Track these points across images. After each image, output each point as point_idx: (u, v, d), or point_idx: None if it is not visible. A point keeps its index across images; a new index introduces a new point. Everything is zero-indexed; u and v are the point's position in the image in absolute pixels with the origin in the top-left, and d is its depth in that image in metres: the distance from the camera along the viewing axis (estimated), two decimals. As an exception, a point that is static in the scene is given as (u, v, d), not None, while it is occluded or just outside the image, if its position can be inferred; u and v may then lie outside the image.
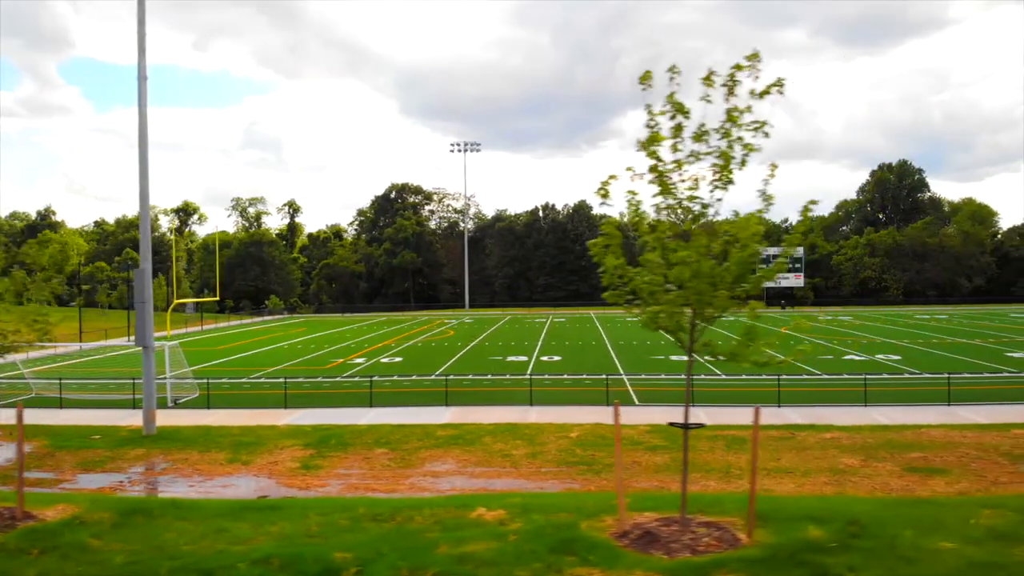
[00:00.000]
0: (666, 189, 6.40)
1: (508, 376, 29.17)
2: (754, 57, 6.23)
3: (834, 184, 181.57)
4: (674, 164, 6.37)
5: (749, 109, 6.23)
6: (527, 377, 28.75)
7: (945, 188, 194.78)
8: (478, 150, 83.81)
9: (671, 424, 7.51)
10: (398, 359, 35.18)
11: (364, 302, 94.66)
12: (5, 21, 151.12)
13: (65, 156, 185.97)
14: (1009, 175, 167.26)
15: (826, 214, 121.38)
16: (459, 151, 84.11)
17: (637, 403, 23.47)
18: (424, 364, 33.34)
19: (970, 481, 14.97)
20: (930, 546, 4.93)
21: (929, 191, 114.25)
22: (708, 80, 6.26)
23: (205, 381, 26.13)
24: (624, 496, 6.20)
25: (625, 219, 7.26)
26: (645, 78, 6.28)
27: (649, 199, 6.55)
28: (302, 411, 22.73)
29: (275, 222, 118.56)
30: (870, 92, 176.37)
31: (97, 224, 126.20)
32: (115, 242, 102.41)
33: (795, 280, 75.88)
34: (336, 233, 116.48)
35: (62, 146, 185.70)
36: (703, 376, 28.52)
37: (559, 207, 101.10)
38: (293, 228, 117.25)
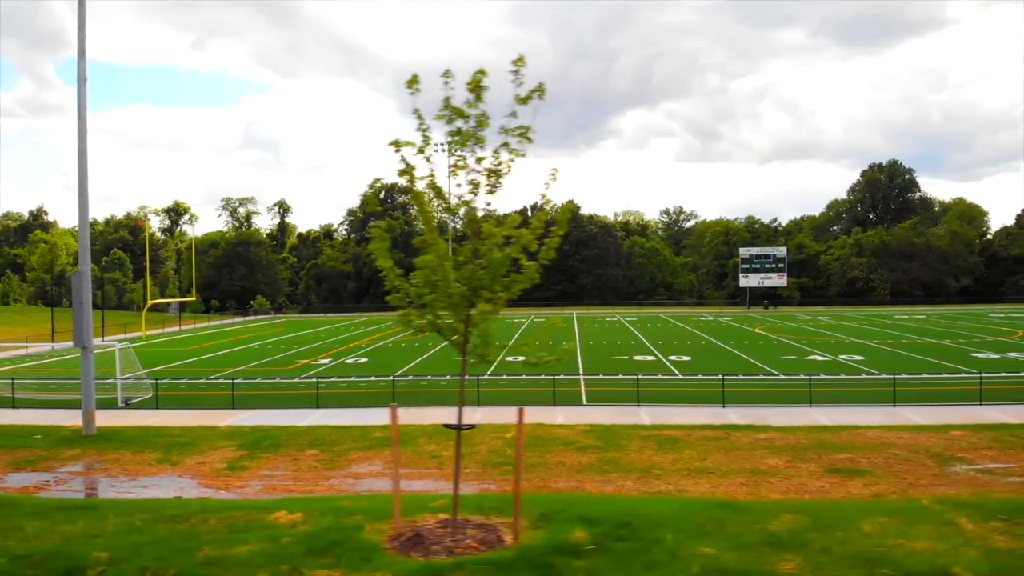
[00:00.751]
0: (439, 194, 6.41)
1: (467, 377, 29.11)
2: (519, 62, 6.24)
3: (834, 184, 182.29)
4: (451, 169, 6.37)
5: (515, 114, 6.24)
6: (485, 378, 28.79)
7: (944, 188, 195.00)
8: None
9: (445, 425, 7.50)
10: (364, 360, 35.22)
11: (353, 302, 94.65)
12: (3, 21, 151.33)
13: (64, 156, 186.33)
14: (1009, 175, 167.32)
15: (816, 214, 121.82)
16: (442, 151, 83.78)
17: (584, 403, 23.49)
18: (388, 364, 33.34)
19: (889, 483, 14.97)
20: (688, 551, 4.91)
21: (919, 191, 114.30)
22: (474, 86, 6.26)
23: (156, 382, 26.14)
24: (401, 499, 6.19)
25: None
26: (412, 83, 6.28)
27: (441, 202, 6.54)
28: (248, 412, 22.74)
29: (266, 222, 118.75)
30: (869, 92, 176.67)
31: (89, 224, 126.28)
32: (104, 242, 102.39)
33: (778, 280, 75.84)
34: (327, 233, 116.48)
35: (60, 146, 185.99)
36: (661, 376, 28.52)
37: (547, 207, 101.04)
38: (284, 228, 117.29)
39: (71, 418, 22.46)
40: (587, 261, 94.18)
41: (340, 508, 6.25)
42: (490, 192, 6.40)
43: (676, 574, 4.50)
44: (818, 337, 43.59)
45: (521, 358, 30.75)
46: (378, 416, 21.70)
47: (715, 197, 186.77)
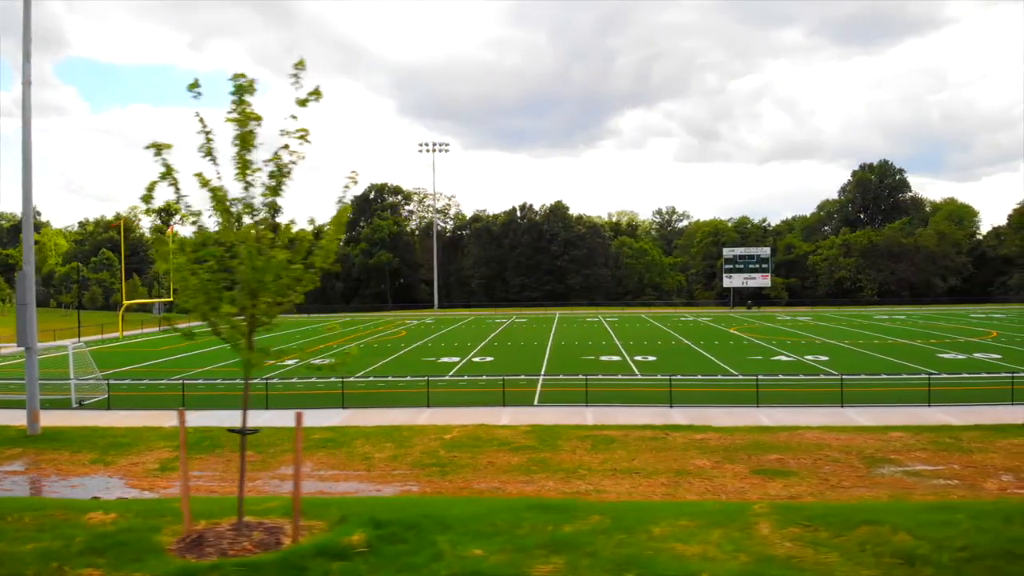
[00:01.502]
0: (216, 195, 6.44)
1: (426, 377, 29.08)
2: (300, 65, 6.30)
3: (832, 184, 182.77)
4: (238, 172, 6.43)
5: (294, 117, 6.31)
6: (446, 379, 28.87)
7: (943, 188, 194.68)
8: (447, 150, 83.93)
9: (229, 429, 7.53)
10: (329, 360, 35.13)
11: (342, 302, 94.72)
12: (1, 21, 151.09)
13: (63, 156, 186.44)
14: (1009, 175, 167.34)
15: (808, 214, 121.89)
16: (427, 151, 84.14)
17: (535, 404, 23.47)
18: (353, 365, 33.35)
19: (811, 484, 14.99)
20: (458, 553, 4.94)
21: (910, 191, 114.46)
22: (237, 90, 6.30)
23: (119, 382, 26.21)
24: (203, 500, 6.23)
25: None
26: (193, 86, 6.34)
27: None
28: (198, 413, 22.74)
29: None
30: (868, 92, 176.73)
31: (81, 224, 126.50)
32: (94, 242, 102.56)
33: (762, 280, 75.83)
34: (317, 233, 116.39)
35: (60, 145, 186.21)
36: (621, 376, 28.56)
37: (536, 207, 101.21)
38: (274, 229, 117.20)
39: (22, 418, 22.51)
40: (575, 261, 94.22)
41: (157, 509, 6.30)
42: (273, 193, 6.47)
43: (423, 578, 4.54)
44: (790, 338, 43.60)
45: (489, 358, 30.69)
46: (326, 417, 21.75)
47: (714, 197, 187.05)
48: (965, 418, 20.46)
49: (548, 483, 15.07)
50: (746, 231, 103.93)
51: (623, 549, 5.08)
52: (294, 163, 6.27)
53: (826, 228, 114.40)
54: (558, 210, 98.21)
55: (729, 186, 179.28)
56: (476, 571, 4.62)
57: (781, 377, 27.59)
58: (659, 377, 28.12)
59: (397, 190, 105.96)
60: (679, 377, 25.05)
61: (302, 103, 6.24)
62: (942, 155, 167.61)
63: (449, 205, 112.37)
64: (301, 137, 6.24)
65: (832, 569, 4.94)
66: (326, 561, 4.84)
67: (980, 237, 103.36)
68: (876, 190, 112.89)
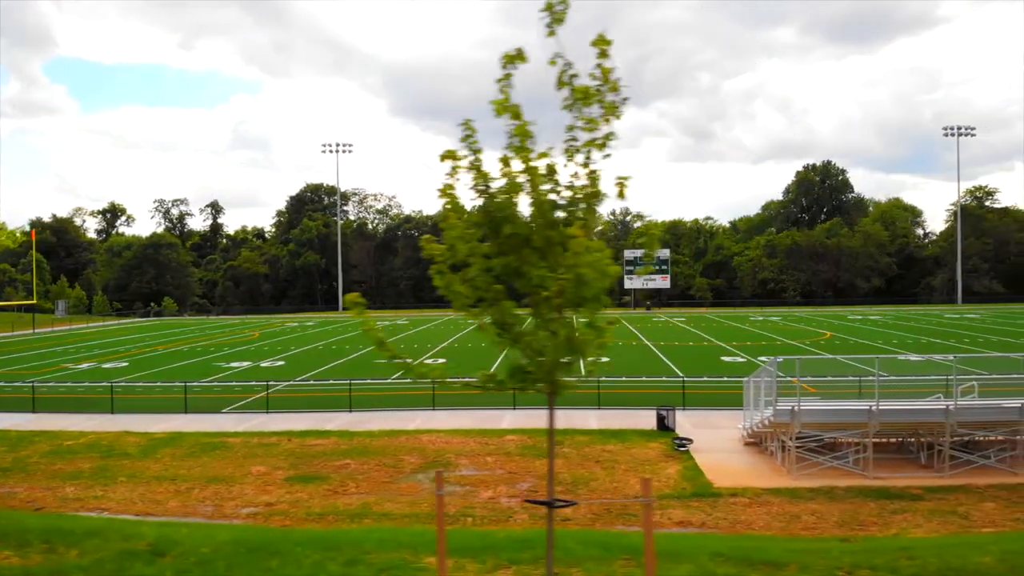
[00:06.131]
0: None
1: (178, 383, 29.47)
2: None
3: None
4: None
5: None
6: (198, 384, 29.29)
7: (938, 188, 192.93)
8: (350, 151, 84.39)
9: None
10: (124, 363, 35.74)
11: (271, 304, 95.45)
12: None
13: (56, 155, 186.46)
14: (1004, 174, 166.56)
15: (752, 214, 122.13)
16: (331, 152, 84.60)
17: (223, 410, 23.67)
18: (148, 367, 33.96)
19: (322, 490, 15.45)
20: None
21: (853, 191, 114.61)
22: None
23: None
24: None
25: None
26: None
27: None
28: None
29: (199, 223, 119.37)
30: (862, 91, 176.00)
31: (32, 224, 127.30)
32: (28, 243, 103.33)
33: (661, 282, 76.14)
34: (259, 234, 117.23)
35: (52, 145, 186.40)
36: (369, 380, 28.94)
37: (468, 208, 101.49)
38: (216, 229, 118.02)
39: None
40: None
41: None
42: None
43: None
44: (634, 340, 43.88)
45: (280, 363, 30.31)
46: (17, 420, 22.30)
47: (709, 197, 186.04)
48: (609, 422, 20.82)
49: (68, 488, 15.66)
50: (679, 232, 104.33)
51: None
52: None
53: (771, 229, 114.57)
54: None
55: (724, 186, 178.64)
56: None
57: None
58: (390, 381, 28.50)
59: (332, 191, 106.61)
60: (363, 382, 25.44)
61: None
62: (936, 154, 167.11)
63: (390, 206, 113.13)
64: None
65: None
66: None
67: (922, 237, 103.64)
68: (818, 191, 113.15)
